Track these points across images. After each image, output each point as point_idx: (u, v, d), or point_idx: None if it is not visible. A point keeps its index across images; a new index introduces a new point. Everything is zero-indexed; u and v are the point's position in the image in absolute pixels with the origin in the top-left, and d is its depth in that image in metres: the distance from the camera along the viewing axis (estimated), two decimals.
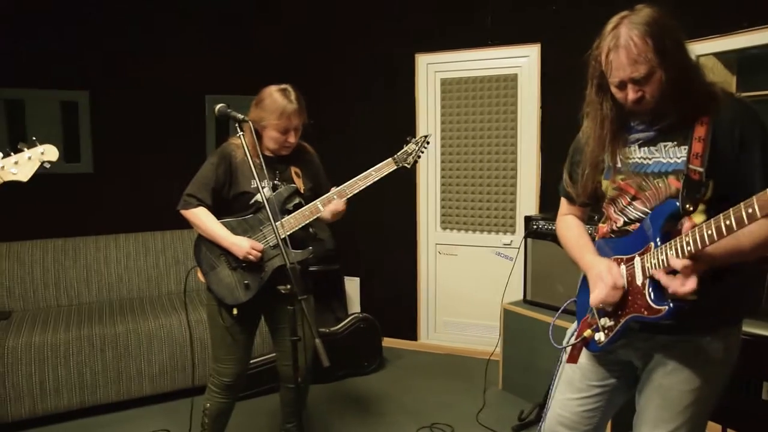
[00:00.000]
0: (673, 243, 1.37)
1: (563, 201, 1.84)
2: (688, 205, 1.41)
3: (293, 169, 2.41)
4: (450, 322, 4.20)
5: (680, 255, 1.35)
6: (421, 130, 4.06)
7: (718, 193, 1.41)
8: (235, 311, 2.32)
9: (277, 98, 2.26)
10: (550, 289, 3.26)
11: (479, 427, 3.10)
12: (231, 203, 2.35)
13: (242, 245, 2.25)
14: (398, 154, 2.42)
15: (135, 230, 3.87)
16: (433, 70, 4.05)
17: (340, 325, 3.75)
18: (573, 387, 1.71)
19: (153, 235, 3.90)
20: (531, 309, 3.33)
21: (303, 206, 2.33)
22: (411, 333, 4.29)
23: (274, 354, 2.60)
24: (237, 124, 2.06)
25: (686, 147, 1.45)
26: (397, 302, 4.29)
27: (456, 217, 4.11)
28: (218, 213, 2.33)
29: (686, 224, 1.39)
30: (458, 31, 3.94)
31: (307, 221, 2.32)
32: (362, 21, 4.18)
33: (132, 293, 3.77)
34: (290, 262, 1.83)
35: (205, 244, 2.35)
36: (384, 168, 2.39)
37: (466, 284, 4.10)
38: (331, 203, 2.32)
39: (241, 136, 2.04)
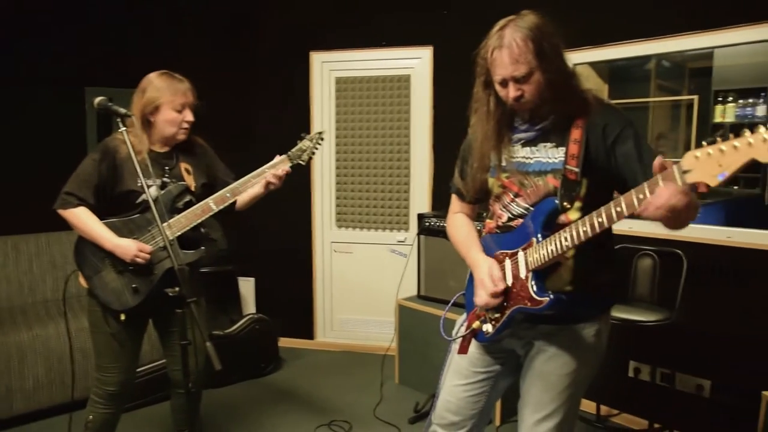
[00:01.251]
0: (553, 238, 1.48)
1: (454, 198, 1.92)
2: (565, 203, 1.53)
3: (183, 166, 2.31)
4: (346, 319, 4.23)
5: (560, 249, 1.46)
6: (315, 128, 4.05)
7: (592, 190, 1.53)
8: (122, 317, 2.20)
9: (164, 78, 2.20)
10: (442, 284, 3.38)
11: (376, 421, 3.16)
12: (116, 202, 2.21)
13: (129, 247, 2.13)
14: (292, 150, 2.39)
15: (4, 233, 3.55)
16: (328, 69, 4.06)
17: (234, 327, 3.67)
18: (460, 375, 1.80)
19: (25, 238, 3.58)
20: (425, 304, 3.44)
21: (194, 204, 2.26)
22: (308, 332, 4.28)
23: (164, 360, 2.49)
24: (119, 119, 1.96)
25: (563, 148, 1.57)
26: (293, 302, 4.26)
27: (351, 215, 4.15)
28: (102, 213, 2.19)
29: (563, 221, 1.50)
30: (353, 30, 3.98)
31: (199, 220, 2.24)
32: (256, 17, 4.10)
33: (1, 302, 3.45)
34: (180, 263, 1.77)
35: (87, 246, 2.20)
36: (278, 165, 2.35)
37: (361, 281, 4.15)
38: (275, 168, 2.27)
39: (124, 132, 1.93)
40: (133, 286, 2.18)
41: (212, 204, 2.24)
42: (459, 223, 1.88)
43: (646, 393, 3.04)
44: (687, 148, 1.14)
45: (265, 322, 3.78)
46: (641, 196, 1.23)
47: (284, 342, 4.07)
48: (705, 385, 2.87)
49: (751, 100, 3.80)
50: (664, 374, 2.99)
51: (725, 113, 3.88)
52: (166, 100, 2.18)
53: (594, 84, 3.63)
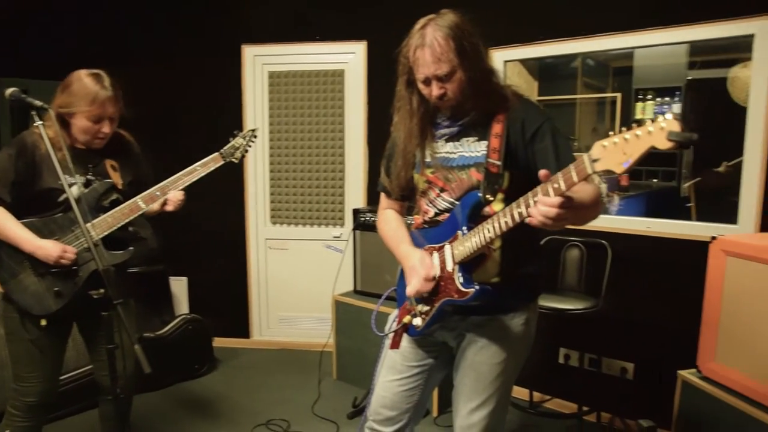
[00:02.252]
0: (477, 230, 1.53)
1: (382, 196, 1.96)
2: (488, 195, 1.59)
3: (109, 163, 2.22)
4: (283, 316, 4.21)
5: (483, 241, 1.51)
6: (248, 123, 4.00)
7: (514, 183, 1.59)
8: (43, 322, 2.09)
9: (87, 83, 2.06)
10: (379, 279, 3.42)
11: (315, 418, 3.16)
12: (36, 201, 2.09)
13: (50, 249, 2.03)
14: (225, 148, 2.35)
15: None
16: (261, 63, 4.01)
17: (166, 329, 3.57)
18: (394, 370, 1.83)
19: None
20: (361, 299, 3.46)
21: (121, 203, 2.18)
22: (243, 331, 4.23)
23: (91, 366, 2.40)
24: (35, 113, 1.86)
25: (485, 142, 1.63)
26: (227, 300, 4.20)
27: (286, 211, 4.12)
28: (20, 212, 2.08)
29: (488, 213, 1.55)
30: (286, 24, 3.94)
31: (127, 220, 2.16)
32: (187, 9, 3.98)
33: None
34: (106, 264, 1.71)
35: (3, 248, 2.08)
36: (210, 163, 2.30)
37: (297, 278, 4.14)
38: (169, 194, 2.19)
39: (41, 126, 1.84)
40: (56, 289, 2.08)
41: (141, 203, 2.18)
42: (388, 218, 1.92)
43: (575, 378, 3.18)
44: None
45: (198, 322, 3.70)
46: (556, 186, 1.29)
47: (219, 342, 4.00)
48: (629, 368, 3.04)
49: (667, 98, 4.04)
50: (591, 359, 3.14)
51: (645, 110, 4.11)
52: (81, 110, 2.06)
53: (524, 81, 3.76)
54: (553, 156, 1.57)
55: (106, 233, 2.11)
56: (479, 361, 1.71)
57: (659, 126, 1.09)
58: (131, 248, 2.23)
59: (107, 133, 2.14)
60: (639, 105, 4.14)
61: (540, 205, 1.32)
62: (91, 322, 2.26)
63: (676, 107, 4.02)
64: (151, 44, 4.00)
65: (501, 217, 1.45)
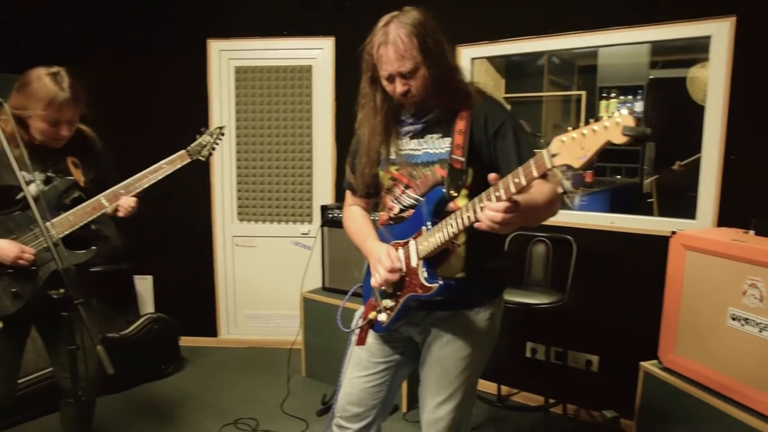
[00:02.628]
0: (440, 226, 1.55)
1: (348, 193, 1.96)
2: (452, 191, 1.60)
3: (70, 159, 2.17)
4: (251, 314, 4.18)
5: (447, 236, 1.52)
6: (215, 119, 3.95)
7: (478, 178, 1.60)
8: None
9: (45, 83, 1.98)
10: (347, 276, 3.42)
11: (284, 416, 3.15)
12: None
13: (7, 250, 1.98)
14: (192, 146, 2.32)
15: None
16: (227, 57, 3.96)
17: (131, 328, 3.52)
18: (360, 366, 1.84)
19: None
20: (329, 296, 3.46)
21: (83, 201, 2.13)
22: (211, 329, 4.19)
23: (51, 368, 2.34)
24: None
25: (449, 139, 1.65)
26: (194, 299, 4.15)
27: (253, 208, 4.09)
28: None
29: (452, 208, 1.57)
30: (252, 18, 3.90)
31: (90, 218, 2.12)
32: (150, 2, 3.91)
33: None
34: (66, 265, 1.67)
35: None
36: (176, 161, 2.26)
37: (265, 275, 4.12)
38: (120, 199, 2.13)
39: None
40: (13, 290, 2.03)
41: (104, 201, 2.13)
42: (354, 214, 1.92)
43: (542, 371, 3.24)
44: None
45: (164, 322, 3.65)
46: (517, 181, 1.31)
47: (186, 341, 3.95)
48: (594, 361, 3.11)
49: (630, 97, 4.14)
50: (557, 352, 3.20)
51: (609, 108, 4.21)
52: (36, 114, 1.99)
53: (492, 79, 3.80)
54: (515, 153, 1.59)
55: (67, 232, 2.06)
56: (444, 356, 1.73)
57: (615, 121, 1.13)
58: (94, 248, 2.19)
59: (65, 137, 2.08)
60: (603, 103, 4.23)
61: (486, 210, 1.36)
62: (51, 323, 2.21)
63: (639, 105, 4.12)
64: (112, 39, 3.92)
65: (464, 211, 1.47)
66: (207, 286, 4.15)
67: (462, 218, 1.47)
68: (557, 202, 1.59)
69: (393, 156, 1.73)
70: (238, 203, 4.10)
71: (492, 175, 1.37)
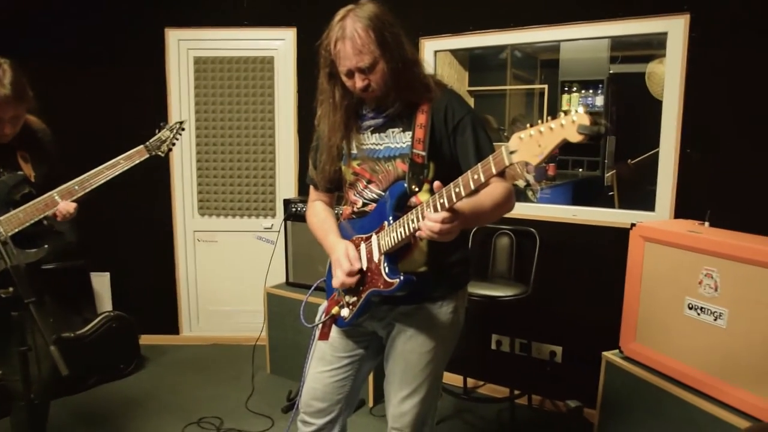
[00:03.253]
0: (402, 221, 1.54)
1: (311, 188, 1.95)
2: (414, 186, 1.60)
3: (20, 153, 2.10)
4: (214, 310, 4.14)
5: (408, 231, 1.52)
6: (173, 112, 3.87)
7: (439, 173, 1.61)
8: None
9: None
10: (311, 270, 3.40)
11: (249, 414, 3.12)
12: None
13: None
14: (151, 141, 2.27)
15: None
16: (186, 47, 3.88)
17: (87, 327, 3.43)
18: (324, 361, 1.83)
19: None
20: (293, 291, 3.44)
21: (34, 197, 2.06)
22: (172, 327, 4.13)
23: (0, 371, 2.27)
24: None
25: (410, 133, 1.65)
26: (154, 296, 4.08)
27: (215, 202, 4.04)
28: None
29: (415, 202, 1.58)
30: (212, 7, 3.82)
31: (42, 215, 2.05)
32: None
33: None
34: (15, 263, 1.61)
35: None
36: (134, 156, 2.21)
37: (228, 271, 4.08)
38: (60, 204, 2.06)
39: None
40: None
41: (57, 197, 2.07)
42: (316, 210, 1.91)
43: (506, 363, 3.29)
44: None
45: (123, 320, 3.57)
46: (476, 177, 1.33)
47: (146, 339, 3.87)
48: (557, 351, 3.17)
49: (591, 91, 4.22)
50: (522, 344, 3.25)
51: (570, 101, 4.27)
52: None
53: (455, 72, 3.82)
54: (473, 149, 1.61)
55: (17, 230, 1.99)
56: (408, 350, 1.73)
57: (570, 120, 1.14)
58: (45, 246, 2.12)
59: (8, 135, 2.01)
60: (565, 97, 4.30)
61: (426, 221, 1.41)
62: (0, 324, 2.13)
63: (599, 100, 4.20)
64: (65, 29, 3.78)
65: (425, 207, 1.46)
66: (168, 282, 4.07)
67: (424, 213, 1.46)
68: (511, 200, 1.64)
69: (354, 151, 1.72)
70: (198, 197, 4.04)
71: (436, 183, 1.41)
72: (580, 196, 4.00)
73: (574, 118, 1.14)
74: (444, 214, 1.38)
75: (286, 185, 3.98)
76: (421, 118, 1.63)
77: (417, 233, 1.45)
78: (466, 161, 1.61)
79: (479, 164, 1.32)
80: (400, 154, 1.66)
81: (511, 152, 1.24)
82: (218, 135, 3.98)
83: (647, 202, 2.84)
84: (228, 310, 4.13)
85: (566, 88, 4.29)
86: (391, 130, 1.69)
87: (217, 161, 4.00)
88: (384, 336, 1.81)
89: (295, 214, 3.44)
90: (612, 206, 3.77)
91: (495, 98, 4.63)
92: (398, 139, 1.67)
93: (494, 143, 1.67)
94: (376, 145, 1.71)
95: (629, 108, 4.14)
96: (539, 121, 1.20)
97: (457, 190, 1.36)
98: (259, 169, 4.00)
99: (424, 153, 1.61)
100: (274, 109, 3.94)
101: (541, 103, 4.50)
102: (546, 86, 4.44)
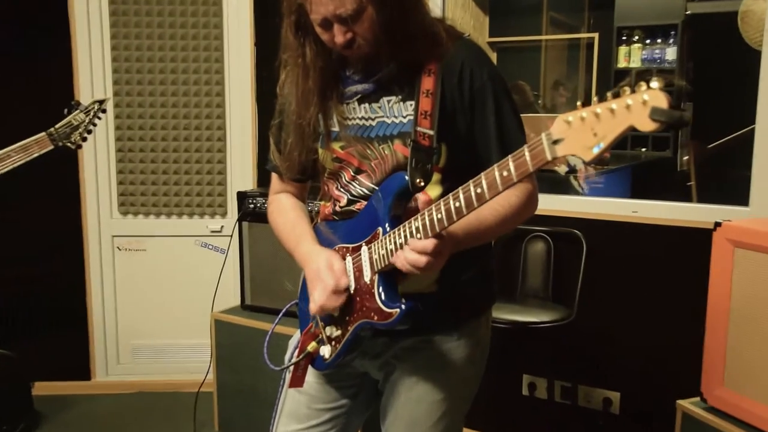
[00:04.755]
0: (401, 229, 1.49)
1: (274, 176, 1.92)
2: (418, 180, 1.54)
3: None
4: (141, 346, 4.16)
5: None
6: (81, 80, 3.83)
7: (454, 159, 1.59)
8: None
9: None
10: (276, 288, 3.39)
11: None
12: None
13: None
14: (57, 127, 2.27)
15: None
16: None
17: None
18: (297, 417, 1.81)
19: None
20: (252, 317, 3.43)
21: None
22: (81, 370, 4.13)
23: None
24: None
25: (412, 103, 1.60)
26: (55, 328, 4.07)
27: (142, 196, 4.05)
28: None
29: (422, 200, 1.55)
30: None
31: None
32: None
33: None
34: None
35: None
36: (33, 147, 2.24)
37: (161, 290, 4.10)
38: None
39: None
40: None
41: None
42: (283, 206, 1.87)
43: (544, 414, 3.29)
44: (588, 100, 1.23)
45: (8, 362, 3.54)
46: (505, 174, 1.28)
47: (43, 388, 3.86)
48: (614, 399, 3.16)
49: (659, 41, 4.20)
50: (564, 388, 3.24)
51: (630, 56, 4.27)
52: None
53: (471, 16, 3.80)
54: (495, 132, 1.58)
55: None
56: (414, 399, 1.72)
57: (640, 99, 1.10)
58: None
59: None
60: (622, 49, 4.30)
61: (407, 252, 1.41)
62: None
63: (671, 52, 4.20)
64: None
65: (434, 212, 1.41)
66: (75, 307, 4.07)
67: (433, 220, 1.41)
68: (531, 203, 1.64)
69: (336, 128, 1.68)
70: (119, 190, 4.04)
71: (423, 198, 1.39)
72: (643, 186, 4.00)
73: (645, 97, 1.09)
74: (433, 242, 1.38)
75: (241, 173, 4.01)
76: (428, 83, 1.58)
77: (391, 260, 1.46)
78: (485, 148, 1.58)
79: (510, 157, 1.28)
80: (400, 133, 1.62)
81: (555, 141, 1.21)
82: (145, 105, 3.97)
83: (737, 194, 2.83)
84: (161, 345, 4.14)
85: (624, 37, 4.28)
86: (386, 98, 1.64)
87: (144, 141, 4.00)
88: (380, 379, 1.79)
89: (253, 212, 3.43)
90: (689, 199, 3.76)
91: (526, 53, 4.62)
92: (396, 112, 1.63)
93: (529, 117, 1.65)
94: (366, 119, 1.67)
95: (713, 63, 4.13)
96: (594, 100, 1.17)
97: (479, 190, 1.32)
98: (203, 151, 4.01)
99: (432, 132, 1.56)
100: (224, 68, 3.95)
101: (590, 59, 4.49)
102: (596, 35, 4.43)
